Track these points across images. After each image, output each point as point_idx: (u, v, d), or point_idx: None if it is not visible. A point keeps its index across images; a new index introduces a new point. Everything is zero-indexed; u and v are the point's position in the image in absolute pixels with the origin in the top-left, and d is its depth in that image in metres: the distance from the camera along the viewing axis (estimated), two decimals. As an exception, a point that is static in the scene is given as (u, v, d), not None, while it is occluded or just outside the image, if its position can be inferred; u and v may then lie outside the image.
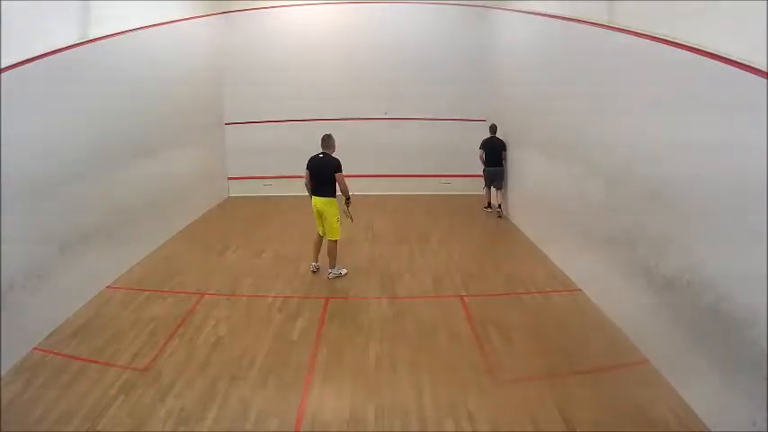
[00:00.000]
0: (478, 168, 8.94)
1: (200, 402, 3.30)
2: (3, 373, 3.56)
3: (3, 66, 3.67)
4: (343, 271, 5.38)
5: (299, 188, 9.12)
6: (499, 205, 7.98)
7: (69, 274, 4.45)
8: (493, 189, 8.10)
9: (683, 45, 3.30)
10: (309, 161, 5.26)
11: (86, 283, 4.81)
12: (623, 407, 3.18)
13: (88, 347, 3.98)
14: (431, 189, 9.10)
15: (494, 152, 7.90)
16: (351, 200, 5.34)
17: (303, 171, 5.41)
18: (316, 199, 5.24)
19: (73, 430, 3.02)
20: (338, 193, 5.31)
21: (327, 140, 5.30)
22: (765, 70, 2.60)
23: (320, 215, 5.25)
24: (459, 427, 3.06)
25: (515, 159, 7.48)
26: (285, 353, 3.92)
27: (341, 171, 5.17)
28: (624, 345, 3.92)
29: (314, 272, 5.47)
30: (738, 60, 2.79)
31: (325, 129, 9.15)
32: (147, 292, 5.00)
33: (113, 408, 3.23)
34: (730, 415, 2.81)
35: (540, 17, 6.23)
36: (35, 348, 3.93)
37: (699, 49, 3.13)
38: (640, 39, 3.82)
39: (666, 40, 3.48)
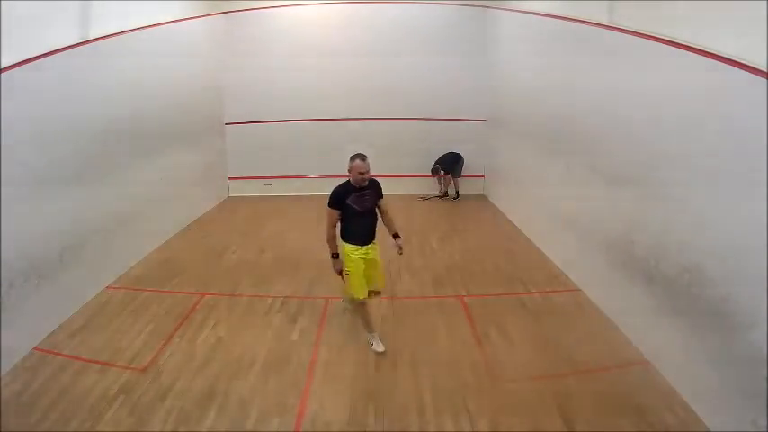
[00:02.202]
0: (478, 168, 9.02)
1: (200, 402, 3.30)
2: (3, 373, 3.56)
3: (3, 66, 3.67)
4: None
5: (299, 188, 9.33)
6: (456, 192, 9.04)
7: (69, 274, 4.45)
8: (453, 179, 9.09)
9: (683, 45, 3.30)
10: (346, 191, 3.70)
11: (86, 283, 4.81)
12: (623, 407, 3.18)
13: (88, 347, 3.98)
14: (430, 189, 9.10)
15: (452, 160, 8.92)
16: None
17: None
18: (366, 250, 3.82)
19: (73, 430, 3.03)
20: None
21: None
22: (765, 70, 2.60)
23: (369, 266, 3.86)
24: (459, 426, 3.06)
25: (515, 159, 7.48)
26: (285, 353, 3.92)
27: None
28: (624, 345, 3.92)
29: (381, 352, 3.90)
30: (738, 60, 2.79)
31: (326, 128, 9.41)
32: (147, 292, 5.00)
33: (113, 408, 3.23)
34: (730, 415, 2.81)
35: (539, 17, 6.23)
36: (35, 348, 3.93)
37: (699, 50, 3.13)
38: (640, 39, 3.83)
39: (666, 40, 3.48)
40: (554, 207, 5.75)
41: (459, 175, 8.88)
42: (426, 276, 5.41)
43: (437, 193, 9.04)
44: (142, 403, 3.28)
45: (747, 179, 2.71)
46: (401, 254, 4.01)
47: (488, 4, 8.29)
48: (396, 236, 3.97)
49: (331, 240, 3.80)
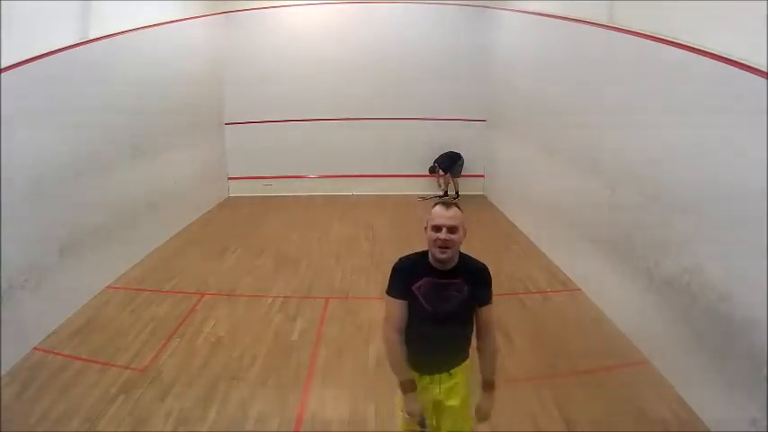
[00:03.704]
0: (478, 168, 9.02)
1: (200, 402, 3.30)
2: (3, 373, 3.56)
3: (3, 66, 3.67)
4: None
5: (299, 188, 9.33)
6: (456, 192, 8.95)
7: (69, 274, 4.45)
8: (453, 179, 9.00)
9: (683, 45, 3.30)
10: (413, 270, 2.08)
11: (86, 283, 4.81)
12: (623, 407, 3.18)
13: (88, 347, 3.97)
14: (431, 189, 9.10)
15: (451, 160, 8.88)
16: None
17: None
18: (435, 383, 2.15)
19: (73, 430, 3.03)
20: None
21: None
22: (765, 70, 2.60)
23: (440, 410, 2.21)
24: (460, 427, 3.06)
25: (515, 159, 7.49)
26: (285, 353, 3.92)
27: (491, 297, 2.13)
28: (624, 345, 3.92)
29: None
30: (738, 60, 2.80)
31: (326, 128, 9.42)
32: (147, 292, 5.00)
33: (113, 408, 3.23)
34: (730, 415, 2.81)
35: (539, 17, 6.24)
36: (35, 348, 3.92)
37: (699, 49, 3.13)
38: (640, 38, 3.83)
39: (666, 40, 3.49)
40: (554, 207, 5.75)
41: (459, 175, 8.89)
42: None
43: (438, 192, 9.04)
44: (142, 403, 3.28)
45: (747, 179, 2.71)
46: (482, 420, 2.15)
47: (488, 3, 8.29)
48: (487, 386, 2.12)
49: (395, 357, 2.05)
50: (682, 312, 3.31)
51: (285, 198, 8.99)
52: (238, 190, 9.27)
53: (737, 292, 2.81)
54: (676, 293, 3.37)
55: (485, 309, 2.11)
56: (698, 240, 3.18)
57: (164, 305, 4.73)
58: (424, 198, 8.90)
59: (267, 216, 7.95)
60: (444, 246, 1.98)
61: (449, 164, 8.79)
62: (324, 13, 8.78)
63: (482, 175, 9.10)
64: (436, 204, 2.07)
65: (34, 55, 4.05)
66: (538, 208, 6.38)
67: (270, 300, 4.86)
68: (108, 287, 5.11)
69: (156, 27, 6.31)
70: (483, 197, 9.01)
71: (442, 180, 8.93)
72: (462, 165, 8.84)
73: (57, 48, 4.36)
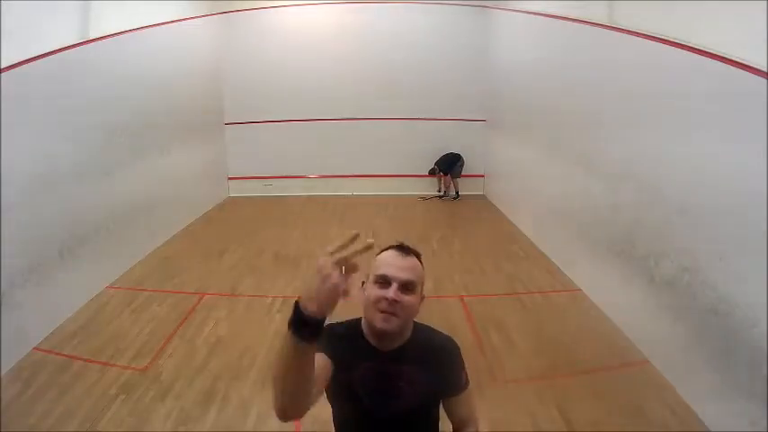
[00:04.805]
0: (478, 168, 9.02)
1: (200, 402, 3.30)
2: (3, 373, 3.56)
3: (3, 66, 3.67)
4: None
5: (299, 188, 9.34)
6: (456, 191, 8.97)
7: (69, 274, 4.45)
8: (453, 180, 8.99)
9: (683, 45, 3.30)
10: (352, 346, 1.39)
11: (86, 283, 4.81)
12: (623, 407, 3.18)
13: (88, 347, 3.97)
14: (431, 189, 9.11)
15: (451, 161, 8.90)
16: None
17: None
18: None
19: (73, 430, 3.03)
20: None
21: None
22: (765, 70, 2.60)
23: None
24: (460, 427, 3.06)
25: (515, 159, 7.48)
26: (285, 353, 3.91)
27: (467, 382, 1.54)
28: (624, 345, 3.92)
29: None
30: (738, 60, 2.80)
31: (326, 128, 9.43)
32: (147, 292, 5.00)
33: (113, 408, 3.23)
34: (730, 415, 2.81)
35: (539, 17, 6.23)
36: (35, 348, 3.92)
37: (699, 49, 3.13)
38: (640, 39, 3.83)
39: (666, 40, 3.49)
40: (554, 207, 5.75)
41: (459, 176, 8.89)
42: (426, 276, 5.38)
43: (438, 192, 9.05)
44: (142, 403, 3.28)
45: (747, 179, 2.71)
46: None
47: (488, 3, 8.29)
48: None
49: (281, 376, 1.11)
50: (682, 312, 3.31)
51: (285, 198, 8.99)
52: (238, 190, 9.27)
53: (737, 292, 2.81)
54: (676, 293, 3.37)
55: (459, 399, 1.49)
56: (698, 240, 3.18)
57: (164, 305, 4.73)
58: (424, 198, 8.91)
59: (267, 216, 7.95)
60: (391, 311, 1.28)
61: (448, 165, 8.80)
62: (324, 13, 8.78)
63: (482, 175, 9.10)
64: (387, 248, 1.38)
65: (34, 55, 4.05)
66: (538, 208, 6.38)
67: (270, 300, 4.85)
68: (108, 287, 5.11)
69: (156, 27, 6.31)
70: (483, 197, 9.01)
71: (442, 180, 8.94)
72: (462, 166, 8.85)
73: (57, 48, 4.36)
